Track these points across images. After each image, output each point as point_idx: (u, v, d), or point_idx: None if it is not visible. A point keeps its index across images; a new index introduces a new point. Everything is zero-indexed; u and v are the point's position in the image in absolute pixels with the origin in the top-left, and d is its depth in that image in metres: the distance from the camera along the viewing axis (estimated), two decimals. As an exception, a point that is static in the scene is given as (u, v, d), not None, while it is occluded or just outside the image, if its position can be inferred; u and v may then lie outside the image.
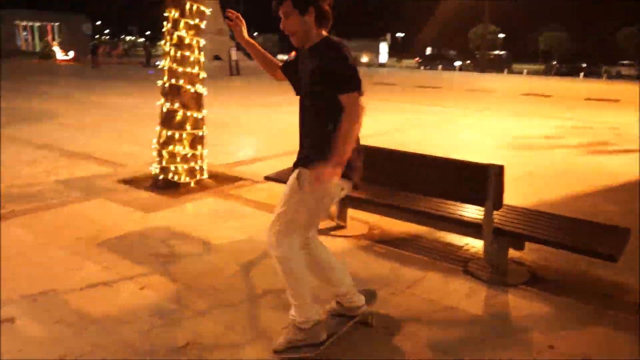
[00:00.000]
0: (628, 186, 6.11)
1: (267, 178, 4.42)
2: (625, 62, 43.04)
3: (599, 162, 7.31)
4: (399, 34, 77.26)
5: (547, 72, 44.42)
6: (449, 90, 20.35)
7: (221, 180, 5.56)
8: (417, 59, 51.29)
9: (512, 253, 3.52)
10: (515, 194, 5.53)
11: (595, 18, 67.03)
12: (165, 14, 5.19)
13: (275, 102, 13.67)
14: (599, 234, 3.25)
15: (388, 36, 54.82)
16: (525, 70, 43.07)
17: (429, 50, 59.30)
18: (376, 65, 49.99)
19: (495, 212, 3.36)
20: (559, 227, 3.35)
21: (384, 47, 52.88)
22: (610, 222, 4.00)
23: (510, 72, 43.77)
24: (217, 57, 25.59)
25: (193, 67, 5.26)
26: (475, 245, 3.90)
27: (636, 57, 43.03)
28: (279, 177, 4.35)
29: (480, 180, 3.25)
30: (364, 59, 51.58)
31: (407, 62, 58.45)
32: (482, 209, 3.35)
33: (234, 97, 14.69)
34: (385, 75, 31.40)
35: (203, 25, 5.30)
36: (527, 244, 3.41)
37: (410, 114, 12.13)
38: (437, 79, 27.63)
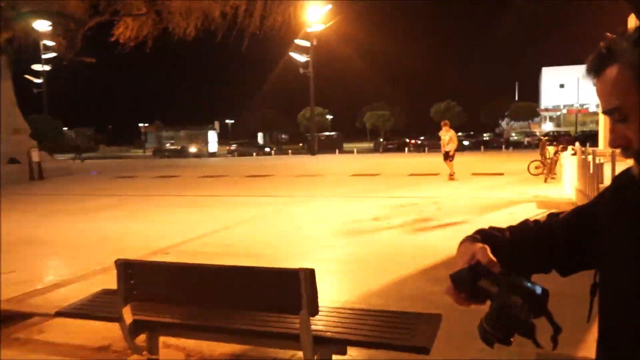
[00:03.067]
0: (450, 261, 6.76)
1: (59, 314, 4.02)
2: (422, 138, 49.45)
3: (423, 240, 8.03)
4: (229, 120, 79.50)
5: (375, 149, 48.74)
6: (281, 177, 21.18)
7: (7, 319, 4.91)
8: (228, 147, 53.31)
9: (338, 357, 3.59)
10: (343, 288, 5.79)
11: (413, 96, 76.44)
12: None
13: (88, 207, 12.87)
14: (414, 325, 3.48)
15: (216, 124, 56.10)
16: (355, 149, 46.71)
17: (260, 137, 61.83)
18: (206, 154, 50.43)
19: (314, 317, 3.43)
20: (377, 323, 3.52)
21: (212, 136, 53.82)
22: (433, 304, 4.32)
23: (342, 151, 47.19)
24: (13, 161, 23.59)
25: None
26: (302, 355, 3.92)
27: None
28: (75, 311, 3.99)
29: (292, 288, 3.32)
30: (192, 149, 51.77)
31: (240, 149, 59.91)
32: (298, 317, 3.40)
33: (33, 206, 13.50)
34: (215, 166, 31.70)
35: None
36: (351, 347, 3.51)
37: (240, 207, 12.27)
38: (269, 167, 28.63)
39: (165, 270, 3.87)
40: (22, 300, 5.59)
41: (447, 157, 17.11)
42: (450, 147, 16.90)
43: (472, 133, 50.93)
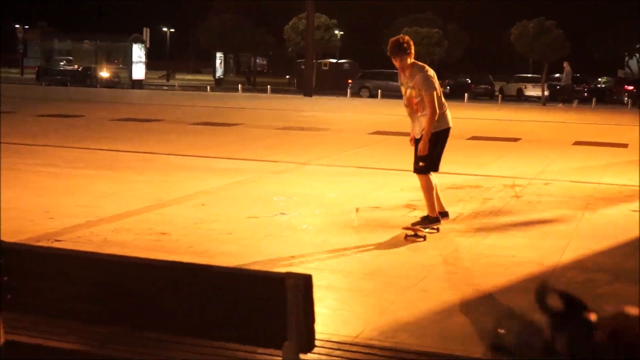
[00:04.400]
0: (530, 283, 6.85)
1: None
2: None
3: (490, 247, 8.11)
4: (167, 29, 79.12)
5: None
6: (254, 128, 21.25)
7: None
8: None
9: None
10: (353, 315, 5.86)
11: (481, 8, 76.25)
12: None
13: None
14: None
15: (146, 32, 55.68)
16: (379, 91, 46.51)
17: (219, 59, 61.67)
18: (126, 84, 50.28)
19: (304, 356, 3.51)
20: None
21: (138, 53, 53.48)
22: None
23: (357, 94, 47.12)
24: None
25: None
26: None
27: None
28: None
29: (274, 304, 3.39)
30: (104, 73, 51.64)
31: (185, 77, 59.80)
32: (279, 353, 3.48)
33: None
34: (142, 104, 31.71)
35: None
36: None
37: (184, 175, 12.32)
38: (233, 111, 28.74)
39: (61, 262, 3.94)
40: None
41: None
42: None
43: (577, 75, 50.86)
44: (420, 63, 8.61)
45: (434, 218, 8.28)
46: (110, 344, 3.78)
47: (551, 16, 52.78)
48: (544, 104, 40.02)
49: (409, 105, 8.54)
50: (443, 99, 8.60)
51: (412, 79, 8.32)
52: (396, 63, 8.41)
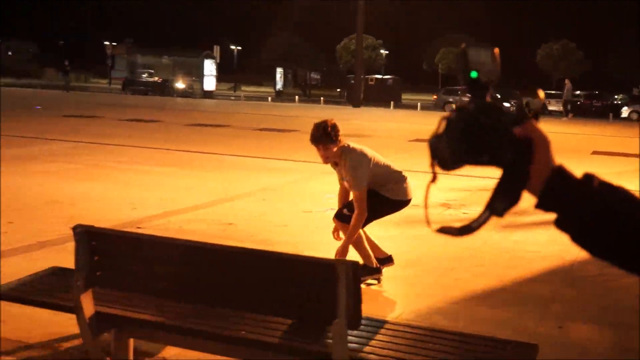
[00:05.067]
0: (550, 275, 6.79)
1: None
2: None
3: (515, 242, 8.06)
4: (235, 46, 79.52)
5: (436, 105, 48.22)
6: (308, 134, 21.26)
7: None
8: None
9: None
10: (392, 299, 5.89)
11: (511, 30, 75.18)
12: None
13: (26, 155, 13.17)
14: (496, 356, 3.55)
15: (217, 49, 56.12)
16: (419, 103, 46.43)
17: (279, 73, 61.83)
18: (199, 94, 50.73)
19: (351, 332, 3.52)
20: (443, 350, 3.61)
21: (210, 67, 53.92)
22: (521, 333, 4.39)
23: (399, 105, 46.98)
24: None
25: None
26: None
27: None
28: (15, 294, 4.16)
29: (326, 286, 3.41)
30: (179, 84, 52.14)
31: (249, 89, 60.09)
32: (330, 329, 3.49)
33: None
34: (212, 111, 31.97)
35: None
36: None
37: (247, 174, 12.42)
38: (291, 118, 28.75)
39: (145, 246, 4.01)
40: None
41: None
42: None
43: (596, 92, 50.00)
44: (351, 146, 6.34)
45: (374, 269, 6.18)
46: (186, 317, 3.83)
47: (573, 37, 52.05)
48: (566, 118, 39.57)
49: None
50: (395, 170, 6.39)
51: (344, 167, 6.21)
52: (319, 152, 6.26)
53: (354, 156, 6.18)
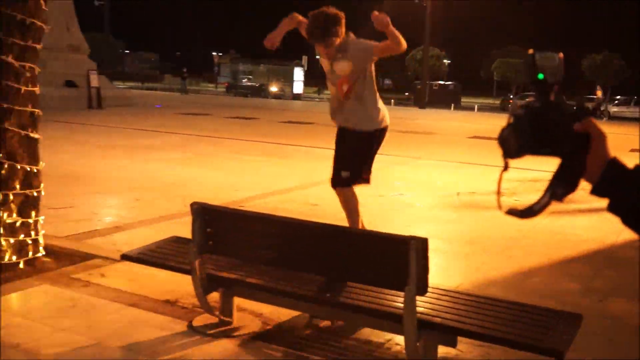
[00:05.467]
0: (592, 256, 6.60)
1: (125, 257, 4.37)
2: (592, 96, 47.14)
3: (561, 226, 7.85)
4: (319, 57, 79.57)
5: (503, 108, 47.38)
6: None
7: (64, 258, 5.39)
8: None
9: (444, 350, 3.68)
10: (452, 272, 5.85)
11: (561, 41, 72.93)
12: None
13: (149, 145, 13.59)
14: (545, 322, 3.48)
15: (304, 59, 56.43)
16: (476, 106, 45.73)
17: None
18: (289, 96, 51.18)
19: (420, 298, 3.52)
20: (498, 315, 3.56)
21: (298, 74, 54.29)
22: (566, 305, 4.29)
23: (459, 107, 46.34)
24: (70, 83, 24.84)
25: (24, 104, 5.17)
26: (400, 341, 4.03)
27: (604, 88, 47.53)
28: (143, 257, 4.32)
29: (399, 258, 3.42)
30: (273, 88, 52.67)
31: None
32: (401, 294, 3.50)
33: (91, 139, 14.43)
34: (300, 111, 32.15)
35: (40, 46, 5.27)
36: (462, 338, 3.58)
37: (331, 162, 12.46)
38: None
39: (249, 221, 4.09)
40: (81, 239, 6.11)
41: None
42: None
43: (636, 98, 48.14)
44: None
45: None
46: (280, 280, 3.90)
47: (614, 47, 50.27)
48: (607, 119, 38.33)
49: (338, 88, 5.47)
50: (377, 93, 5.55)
51: (341, 51, 5.22)
52: (320, 49, 5.25)
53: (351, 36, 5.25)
